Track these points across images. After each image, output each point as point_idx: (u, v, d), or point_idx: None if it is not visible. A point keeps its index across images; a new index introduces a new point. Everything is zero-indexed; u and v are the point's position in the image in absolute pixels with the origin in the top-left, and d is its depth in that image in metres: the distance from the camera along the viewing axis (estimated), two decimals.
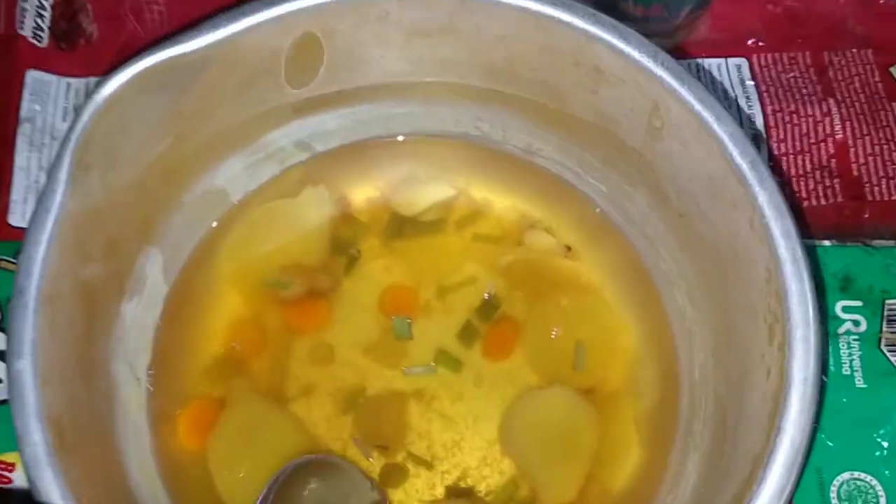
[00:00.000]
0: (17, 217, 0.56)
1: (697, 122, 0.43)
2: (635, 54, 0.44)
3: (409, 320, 0.53)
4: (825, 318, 0.52)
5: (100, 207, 0.44)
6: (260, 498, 0.47)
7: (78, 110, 0.42)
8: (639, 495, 0.49)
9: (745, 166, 0.42)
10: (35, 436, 0.38)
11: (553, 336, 0.52)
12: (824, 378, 0.50)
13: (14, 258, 0.56)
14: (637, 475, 0.50)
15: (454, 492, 0.49)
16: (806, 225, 0.56)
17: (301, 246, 0.54)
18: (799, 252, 0.40)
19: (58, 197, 0.41)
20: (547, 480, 0.49)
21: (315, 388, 0.52)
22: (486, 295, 0.53)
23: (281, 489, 0.47)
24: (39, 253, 0.40)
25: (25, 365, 0.39)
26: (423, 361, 0.52)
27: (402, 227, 0.55)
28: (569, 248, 0.54)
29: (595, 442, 0.50)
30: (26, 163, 0.58)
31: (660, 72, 0.44)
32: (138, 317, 0.50)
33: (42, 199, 0.41)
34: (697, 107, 0.43)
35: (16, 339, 0.39)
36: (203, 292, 0.53)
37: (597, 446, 0.50)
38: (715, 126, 0.43)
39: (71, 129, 0.42)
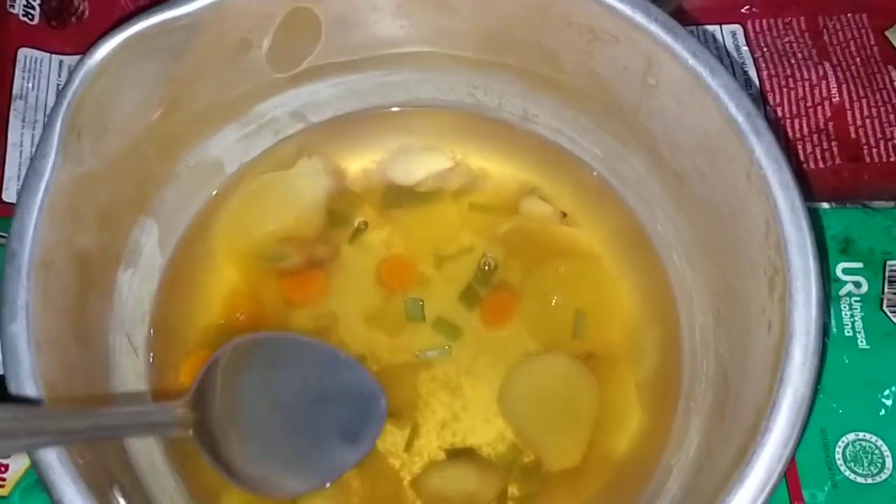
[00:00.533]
0: (12, 193, 0.56)
1: (692, 76, 0.43)
2: (628, 11, 0.44)
3: (421, 301, 0.52)
4: (826, 279, 0.52)
5: (92, 175, 0.44)
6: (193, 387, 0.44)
7: (69, 75, 0.42)
8: (642, 459, 0.49)
9: (740, 119, 0.41)
10: (32, 398, 0.37)
11: (552, 303, 0.51)
12: (826, 339, 0.49)
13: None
14: (640, 440, 0.50)
15: (456, 453, 0.49)
16: (805, 188, 0.56)
17: (297, 217, 0.54)
18: (797, 202, 0.40)
19: (49, 162, 0.41)
20: (548, 447, 0.49)
21: None
22: (485, 265, 0.53)
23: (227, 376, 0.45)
24: (31, 217, 0.40)
25: (19, 329, 0.38)
26: (422, 330, 0.52)
27: (398, 197, 0.55)
28: (564, 215, 0.54)
29: (595, 407, 0.50)
30: (19, 139, 0.58)
31: (653, 27, 0.43)
32: (134, 288, 0.49)
33: (33, 163, 0.41)
34: (692, 61, 0.43)
35: (9, 303, 0.39)
36: (200, 264, 0.53)
37: (598, 412, 0.50)
38: (710, 80, 0.42)
39: (62, 93, 0.42)
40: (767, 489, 0.36)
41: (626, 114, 0.48)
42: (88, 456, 0.38)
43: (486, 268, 0.53)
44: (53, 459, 0.37)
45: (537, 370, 0.50)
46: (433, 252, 0.54)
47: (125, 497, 0.40)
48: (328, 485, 0.47)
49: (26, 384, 0.38)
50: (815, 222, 0.52)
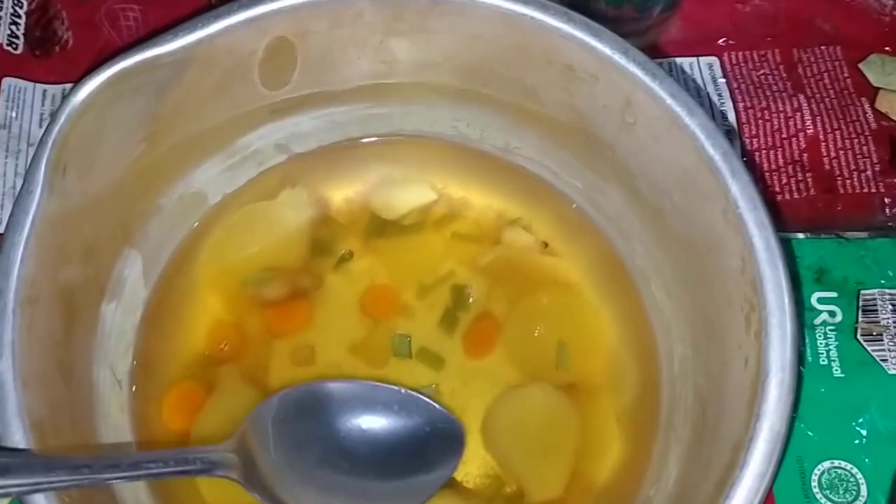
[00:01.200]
0: None
1: (669, 116, 0.44)
2: (607, 51, 0.45)
3: (408, 337, 0.52)
4: (801, 308, 0.53)
5: (77, 210, 0.44)
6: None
7: (55, 112, 0.42)
8: (623, 489, 0.49)
9: (717, 158, 0.42)
10: (17, 436, 0.38)
11: (534, 334, 0.52)
12: (801, 368, 0.50)
13: None
14: (620, 470, 0.50)
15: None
16: (780, 218, 0.57)
17: (280, 248, 0.54)
18: (773, 241, 0.40)
19: (35, 198, 0.41)
20: (531, 477, 0.50)
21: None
22: (467, 295, 0.54)
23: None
24: (17, 254, 0.40)
25: (6, 366, 0.39)
26: (407, 363, 0.52)
27: (382, 227, 0.55)
28: (546, 245, 0.54)
29: (577, 438, 0.50)
30: (2, 169, 0.58)
31: (631, 67, 0.44)
32: (118, 320, 0.50)
33: (19, 200, 0.41)
34: (669, 101, 0.44)
35: None
36: (183, 296, 0.53)
37: (579, 442, 0.50)
38: (687, 119, 0.43)
39: (48, 130, 0.42)
40: None
41: (606, 149, 0.49)
42: (76, 496, 0.38)
43: (468, 297, 0.54)
44: (40, 499, 0.37)
45: (520, 401, 0.51)
46: (416, 281, 0.54)
47: None
48: None
49: (13, 422, 0.38)
50: (790, 252, 0.54)
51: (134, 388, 0.50)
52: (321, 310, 0.53)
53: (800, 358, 0.39)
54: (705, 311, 0.46)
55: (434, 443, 0.49)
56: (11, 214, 0.41)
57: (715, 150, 0.42)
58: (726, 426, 0.41)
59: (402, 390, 0.49)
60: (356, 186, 0.56)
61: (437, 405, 0.49)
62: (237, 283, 0.53)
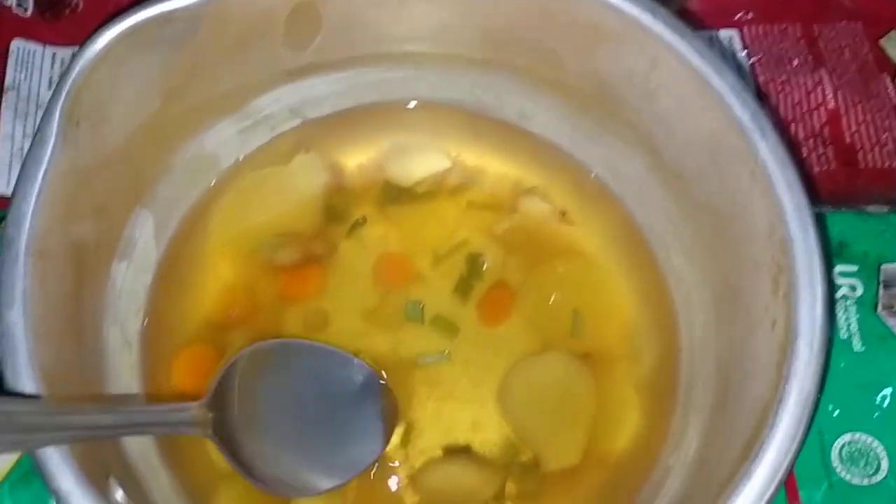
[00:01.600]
0: (2, 185, 0.55)
1: (697, 77, 0.43)
2: (634, 11, 0.44)
3: (421, 304, 0.52)
4: (830, 269, 0.52)
5: (90, 165, 0.43)
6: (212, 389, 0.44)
7: (68, 64, 0.41)
8: (640, 458, 0.48)
9: (745, 118, 0.41)
10: (27, 385, 0.37)
11: (550, 302, 0.51)
12: (832, 331, 0.50)
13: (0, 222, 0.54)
14: (637, 439, 0.49)
15: (454, 451, 0.48)
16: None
17: (293, 213, 0.53)
18: (802, 201, 0.40)
19: (48, 149, 0.40)
20: (546, 446, 0.49)
21: None
22: (483, 267, 0.53)
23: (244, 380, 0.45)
24: (29, 205, 0.39)
25: (17, 316, 0.38)
26: (420, 330, 0.51)
27: (396, 194, 0.54)
28: (563, 214, 0.54)
29: (593, 407, 0.50)
30: (11, 131, 0.57)
31: (659, 27, 0.43)
32: (129, 281, 0.49)
33: (32, 150, 0.40)
34: (697, 61, 0.43)
35: (6, 289, 0.38)
36: (194, 258, 0.52)
37: (596, 411, 0.50)
38: (716, 80, 0.42)
39: (61, 82, 0.41)
40: (774, 484, 0.36)
41: (629, 114, 0.48)
42: (85, 447, 0.37)
43: (483, 266, 0.53)
44: (51, 448, 0.36)
45: (536, 369, 0.50)
46: (431, 250, 0.53)
47: (122, 488, 0.39)
48: (345, 483, 0.47)
49: (23, 372, 0.37)
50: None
51: (144, 350, 0.49)
52: (334, 276, 0.53)
53: (831, 319, 0.39)
54: (729, 277, 0.45)
55: (372, 413, 0.48)
56: (23, 166, 0.40)
57: (744, 111, 0.41)
58: (752, 391, 0.41)
59: (355, 359, 0.49)
60: (370, 153, 0.55)
61: (377, 378, 0.49)
62: (249, 248, 0.52)
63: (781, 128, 0.59)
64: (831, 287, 0.44)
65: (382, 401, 0.49)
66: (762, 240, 0.41)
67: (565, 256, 0.53)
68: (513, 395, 0.50)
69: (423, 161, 0.55)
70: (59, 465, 0.36)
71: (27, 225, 0.39)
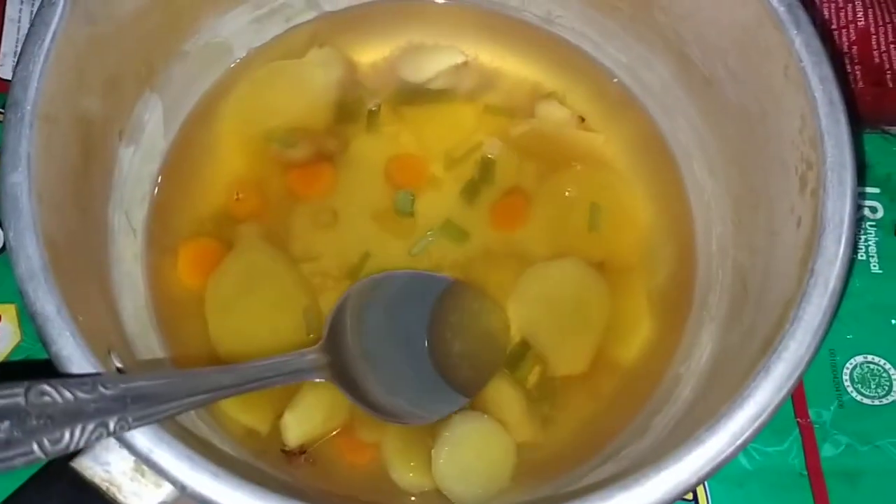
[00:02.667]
0: (7, 70, 0.54)
1: None
2: None
3: (411, 195, 0.50)
4: (862, 169, 0.50)
5: (100, 35, 0.42)
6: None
7: None
8: (650, 368, 0.48)
9: (781, 10, 0.40)
10: (30, 249, 0.35)
11: (566, 206, 0.50)
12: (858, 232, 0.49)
13: (4, 108, 0.53)
14: (648, 349, 0.49)
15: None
16: None
17: (306, 108, 0.52)
18: (836, 95, 0.38)
19: (57, 11, 0.39)
20: (556, 351, 0.48)
21: (319, 252, 0.49)
22: (498, 171, 0.51)
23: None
24: (37, 66, 0.38)
25: (21, 178, 0.36)
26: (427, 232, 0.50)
27: (411, 95, 0.53)
28: (582, 120, 0.52)
29: (605, 314, 0.49)
30: (17, 15, 0.55)
31: None
32: (135, 166, 0.48)
33: (40, 12, 0.39)
34: None
35: (10, 151, 0.37)
36: (203, 149, 0.51)
37: (608, 319, 0.49)
38: None
39: None
40: (793, 379, 0.35)
41: (657, 15, 0.47)
42: (85, 318, 0.36)
43: (497, 170, 0.51)
44: (52, 313, 0.35)
45: (549, 274, 0.49)
46: (444, 153, 0.52)
47: (123, 365, 0.38)
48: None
49: (26, 235, 0.36)
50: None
51: (148, 239, 0.48)
52: (345, 175, 0.51)
53: (858, 219, 0.37)
54: (752, 182, 0.44)
55: (483, 338, 0.48)
56: (31, 26, 0.39)
57: (780, 3, 0.40)
58: (773, 292, 0.40)
59: (453, 280, 0.48)
60: (384, 51, 0.54)
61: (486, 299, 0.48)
62: (260, 142, 0.51)
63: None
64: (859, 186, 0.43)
65: (490, 321, 0.48)
66: (792, 138, 0.40)
67: (583, 162, 0.51)
68: (525, 299, 0.49)
69: (436, 58, 0.53)
70: (61, 331, 0.35)
71: (34, 86, 0.38)
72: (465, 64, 0.53)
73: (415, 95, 0.53)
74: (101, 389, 0.31)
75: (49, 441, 0.29)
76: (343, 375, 0.43)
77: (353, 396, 0.43)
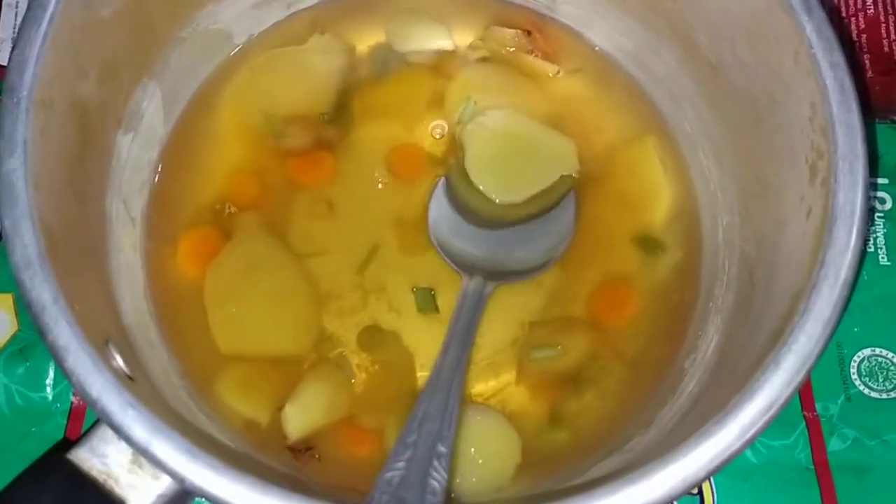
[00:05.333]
0: (5, 56, 0.53)
1: None
2: None
3: (432, 291, 0.48)
4: (873, 159, 0.49)
5: (97, 20, 0.41)
6: None
7: None
8: (654, 360, 0.47)
9: None
10: (26, 237, 0.35)
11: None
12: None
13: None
14: (652, 344, 0.48)
15: None
16: None
17: (307, 96, 0.51)
18: (847, 82, 0.38)
19: None
20: None
21: (320, 243, 0.49)
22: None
23: None
24: (33, 50, 0.37)
25: (16, 164, 0.36)
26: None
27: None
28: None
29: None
30: (14, 0, 0.54)
31: None
32: (134, 154, 0.47)
33: None
34: None
35: (7, 138, 0.36)
36: (203, 138, 0.50)
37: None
38: None
39: None
40: (804, 372, 0.34)
41: (665, 1, 0.46)
42: (83, 308, 0.36)
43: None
44: (49, 302, 0.34)
45: None
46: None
47: (121, 356, 0.38)
48: None
49: (22, 222, 0.35)
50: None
51: (146, 228, 0.48)
52: (346, 164, 0.50)
53: (869, 210, 0.37)
54: (760, 172, 0.44)
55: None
56: (28, 10, 0.38)
57: None
58: (781, 283, 0.39)
59: None
60: (380, 36, 0.53)
61: None
62: (260, 130, 0.50)
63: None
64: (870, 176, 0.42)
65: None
66: (802, 127, 0.39)
67: None
68: None
69: (427, 34, 0.52)
70: (56, 319, 0.34)
71: (30, 71, 0.37)
72: (453, 52, 0.52)
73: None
74: None
75: None
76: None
77: None
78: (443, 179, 0.49)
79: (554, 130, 0.50)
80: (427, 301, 0.48)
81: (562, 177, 0.49)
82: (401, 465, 0.35)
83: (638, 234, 0.49)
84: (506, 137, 0.50)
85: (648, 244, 0.49)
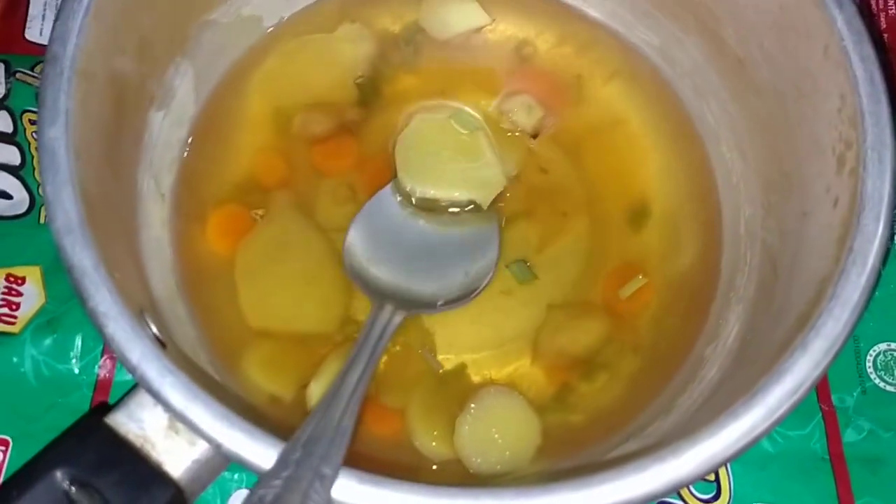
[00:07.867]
0: (35, 32, 0.54)
1: None
2: None
3: (528, 263, 0.49)
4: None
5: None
6: None
7: None
8: (673, 349, 0.48)
9: None
10: (67, 203, 0.35)
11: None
12: None
13: (31, 70, 0.53)
14: (673, 333, 0.48)
15: None
16: None
17: (335, 83, 0.52)
18: (877, 75, 0.38)
19: None
20: None
21: (344, 225, 0.49)
22: None
23: None
24: (76, 22, 0.38)
25: (59, 133, 0.36)
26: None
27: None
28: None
29: None
30: None
31: None
32: (165, 131, 0.47)
33: None
34: None
35: (50, 107, 0.36)
36: (232, 119, 0.51)
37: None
38: None
39: None
40: (831, 355, 0.35)
41: None
42: (120, 275, 0.36)
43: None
44: (90, 268, 0.35)
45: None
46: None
47: (156, 325, 0.38)
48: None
49: (63, 189, 0.35)
50: None
51: (175, 204, 0.48)
52: (369, 149, 0.51)
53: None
54: (784, 164, 0.44)
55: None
56: None
57: None
58: (806, 271, 0.40)
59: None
60: (414, 21, 0.53)
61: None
62: (288, 114, 0.51)
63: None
64: None
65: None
66: (829, 118, 0.40)
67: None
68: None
69: (462, 14, 0.53)
70: (97, 286, 0.34)
71: (73, 42, 0.38)
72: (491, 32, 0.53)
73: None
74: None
75: None
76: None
77: None
78: (373, 198, 0.49)
79: (495, 152, 0.50)
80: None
81: (487, 210, 0.49)
82: (278, 482, 0.32)
83: (646, 212, 0.50)
84: (445, 135, 0.50)
85: (665, 230, 0.50)
